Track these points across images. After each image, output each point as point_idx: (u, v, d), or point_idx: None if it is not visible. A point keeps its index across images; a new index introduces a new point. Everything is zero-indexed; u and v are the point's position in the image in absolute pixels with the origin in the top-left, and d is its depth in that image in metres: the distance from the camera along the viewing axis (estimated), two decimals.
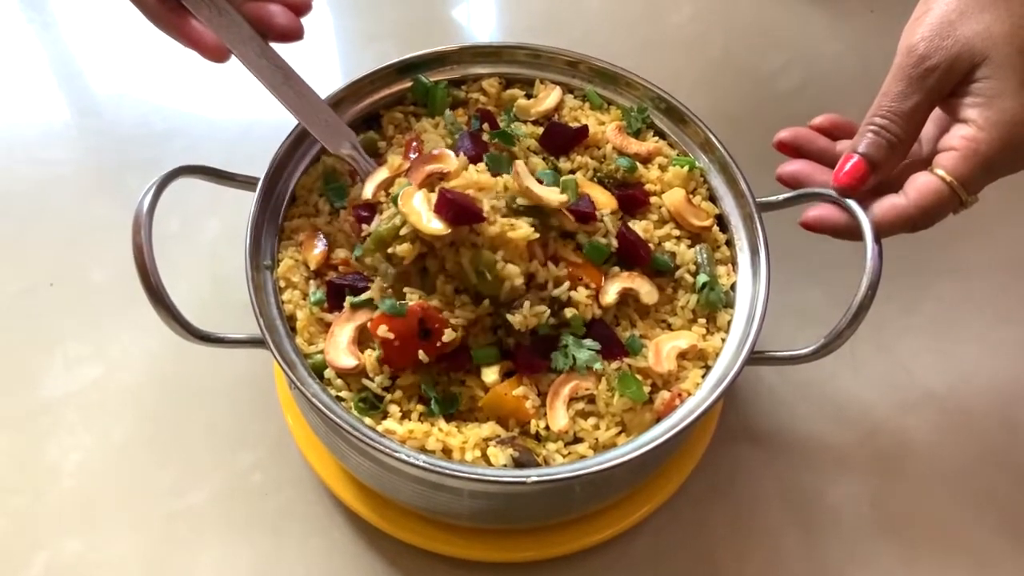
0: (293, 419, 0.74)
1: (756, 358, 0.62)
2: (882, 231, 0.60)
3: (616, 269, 0.65)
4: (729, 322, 0.66)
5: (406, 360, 0.60)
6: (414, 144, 0.70)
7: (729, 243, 0.70)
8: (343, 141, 0.69)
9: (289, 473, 0.76)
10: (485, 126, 0.72)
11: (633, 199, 0.70)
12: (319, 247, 0.66)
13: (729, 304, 0.67)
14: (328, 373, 0.62)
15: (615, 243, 0.65)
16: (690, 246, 0.69)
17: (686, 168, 0.71)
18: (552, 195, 0.63)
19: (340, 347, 0.61)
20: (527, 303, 0.61)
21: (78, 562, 0.71)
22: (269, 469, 0.76)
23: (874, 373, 0.82)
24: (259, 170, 0.67)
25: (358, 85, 0.73)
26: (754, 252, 0.67)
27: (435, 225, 0.59)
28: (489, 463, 0.58)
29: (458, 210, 0.59)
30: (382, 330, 0.59)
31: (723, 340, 0.65)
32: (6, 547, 0.72)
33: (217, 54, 0.65)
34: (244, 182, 0.67)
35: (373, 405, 0.61)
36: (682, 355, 0.64)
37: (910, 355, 0.84)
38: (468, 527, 0.69)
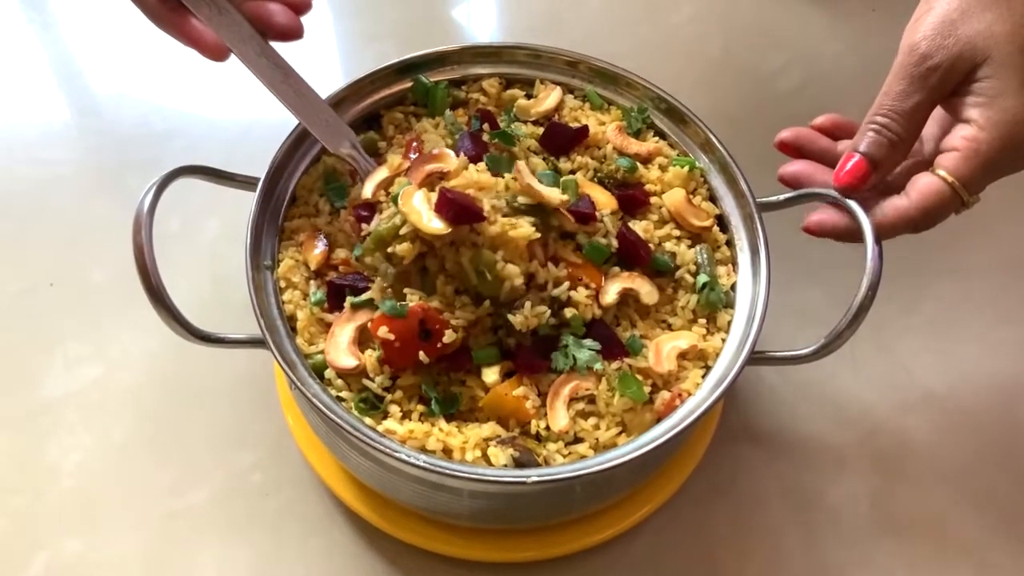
0: (293, 419, 0.74)
1: (756, 358, 0.62)
2: (885, 233, 0.60)
3: (616, 269, 0.65)
4: (729, 322, 0.66)
5: (407, 361, 0.60)
6: (414, 144, 0.70)
7: (729, 243, 0.70)
8: (343, 140, 0.69)
9: (289, 473, 0.76)
10: (485, 126, 0.72)
11: (633, 199, 0.70)
12: (319, 247, 0.66)
13: (729, 304, 0.67)
14: (328, 373, 0.62)
15: (615, 243, 0.65)
16: (690, 246, 0.69)
17: (686, 168, 0.71)
18: (553, 193, 0.63)
19: (340, 347, 0.61)
20: (528, 303, 0.61)
21: (78, 562, 0.71)
22: (269, 469, 0.76)
23: (874, 373, 0.82)
24: (259, 170, 0.67)
25: (358, 85, 0.73)
26: (754, 252, 0.67)
27: (435, 224, 0.59)
28: (489, 463, 0.58)
29: (458, 209, 0.59)
30: (383, 331, 0.59)
31: (723, 340, 0.65)
32: (6, 547, 0.72)
33: (217, 53, 0.65)
34: (244, 182, 0.67)
35: (373, 405, 0.61)
36: (682, 355, 0.64)
37: (910, 355, 0.84)
38: (468, 527, 0.69)
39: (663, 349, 0.63)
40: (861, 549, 0.73)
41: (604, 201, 0.68)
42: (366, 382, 0.61)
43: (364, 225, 0.66)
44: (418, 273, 0.63)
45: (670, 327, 0.66)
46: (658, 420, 0.61)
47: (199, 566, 0.71)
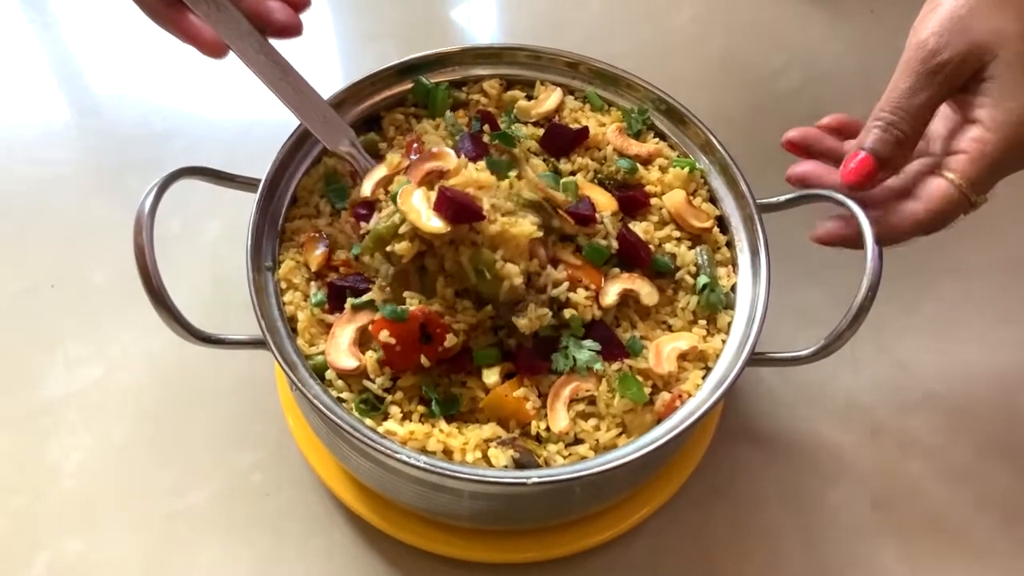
0: (294, 420, 0.74)
1: (756, 359, 0.62)
2: (896, 237, 0.60)
3: (616, 270, 0.65)
4: (729, 323, 0.66)
5: (408, 364, 0.60)
6: (415, 146, 0.70)
7: (729, 244, 0.70)
8: (342, 138, 0.69)
9: (290, 474, 0.76)
10: (486, 127, 0.72)
11: (634, 200, 0.70)
12: (320, 248, 0.66)
13: (729, 305, 0.67)
14: (329, 374, 0.62)
15: (615, 245, 0.65)
16: (690, 247, 0.69)
17: (686, 169, 0.71)
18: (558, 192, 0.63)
19: (341, 348, 0.62)
20: (531, 306, 0.61)
21: (79, 562, 0.71)
22: (269, 469, 0.76)
23: (874, 374, 0.82)
24: (260, 170, 0.67)
25: (359, 86, 0.73)
26: (754, 253, 0.67)
27: (434, 223, 0.59)
28: (490, 464, 0.58)
29: (458, 208, 0.59)
30: (384, 335, 0.59)
31: (723, 341, 0.65)
32: (7, 547, 0.72)
33: (215, 50, 0.65)
34: (245, 183, 0.67)
35: (374, 406, 0.61)
36: (682, 356, 0.64)
37: (910, 355, 0.84)
38: (468, 528, 0.70)
39: (663, 350, 0.63)
40: (861, 551, 0.73)
41: (604, 203, 0.68)
42: (367, 383, 0.61)
43: (363, 224, 0.66)
44: (417, 272, 0.63)
45: (670, 328, 0.66)
46: (658, 421, 0.61)
47: (199, 566, 0.71)
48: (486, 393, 0.61)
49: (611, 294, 0.64)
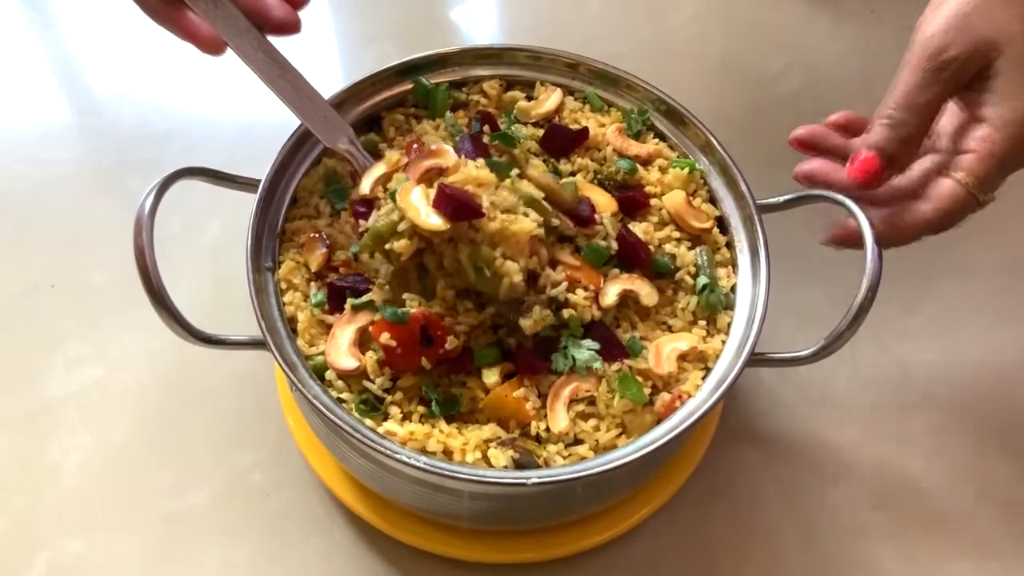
0: (294, 420, 0.74)
1: (756, 360, 0.62)
2: (906, 237, 0.61)
3: (616, 271, 0.65)
4: (729, 324, 0.66)
5: (408, 365, 0.60)
6: (415, 147, 0.70)
7: (729, 245, 0.70)
8: (340, 136, 0.69)
9: (289, 474, 0.76)
10: (486, 128, 0.72)
11: (633, 201, 0.70)
12: (320, 249, 0.66)
13: (729, 306, 0.67)
14: (329, 375, 0.62)
15: (615, 245, 0.65)
16: (690, 248, 0.69)
17: (686, 170, 0.71)
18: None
19: (341, 349, 0.62)
20: (537, 308, 0.61)
21: (78, 562, 0.71)
22: (269, 469, 0.76)
23: (874, 374, 0.82)
24: (260, 170, 0.67)
25: (359, 87, 0.73)
26: (754, 254, 0.67)
27: (434, 221, 0.59)
28: (490, 465, 0.58)
29: (457, 205, 0.59)
30: (384, 337, 0.59)
31: (723, 342, 0.65)
32: (7, 547, 0.72)
33: (213, 47, 0.64)
34: (245, 184, 0.67)
35: (374, 407, 0.61)
36: (682, 357, 0.64)
37: (910, 356, 0.84)
38: (468, 528, 0.70)
39: (663, 351, 0.63)
40: (861, 551, 0.73)
41: (604, 203, 0.68)
42: (366, 383, 0.61)
43: (361, 221, 0.66)
44: (416, 270, 0.62)
45: (670, 329, 0.66)
46: (658, 422, 0.61)
47: (199, 566, 0.71)
48: (486, 393, 0.61)
49: (611, 295, 0.64)
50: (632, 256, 0.66)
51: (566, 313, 0.62)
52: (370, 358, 0.61)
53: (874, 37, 1.07)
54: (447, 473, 0.56)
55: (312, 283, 0.66)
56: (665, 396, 0.62)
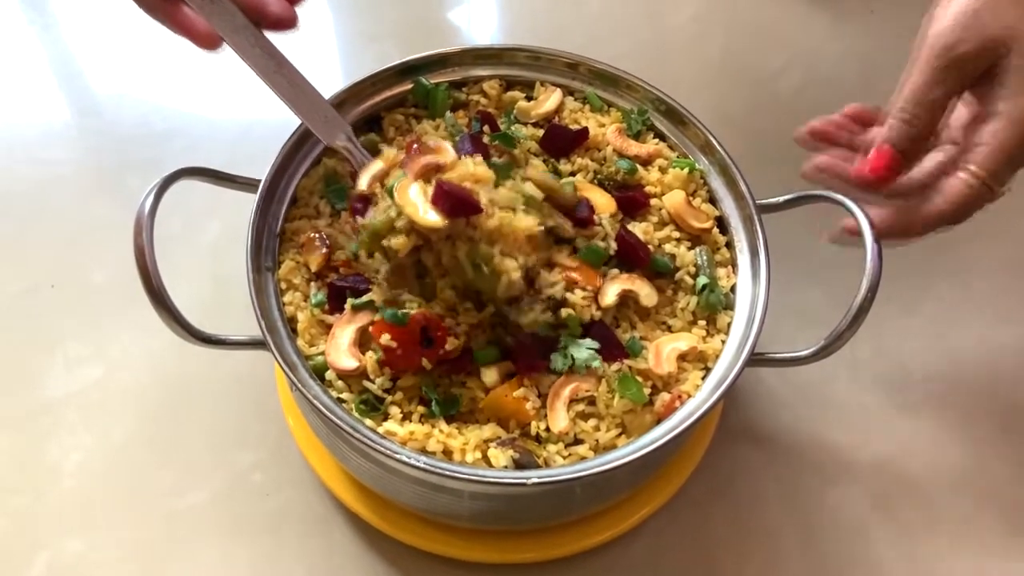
0: (294, 420, 0.74)
1: (756, 360, 0.62)
2: (920, 230, 0.61)
3: (616, 271, 0.65)
4: (729, 324, 0.66)
5: (408, 366, 0.60)
6: (415, 147, 0.70)
7: (729, 245, 0.70)
8: (338, 133, 0.68)
9: (289, 474, 0.76)
10: (486, 128, 0.72)
11: (633, 201, 0.70)
12: (320, 249, 0.66)
13: (729, 306, 0.67)
14: (329, 375, 0.62)
15: (614, 246, 0.65)
16: (690, 248, 0.69)
17: (686, 170, 0.71)
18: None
19: (341, 349, 0.62)
20: (537, 307, 0.61)
21: (78, 562, 0.71)
22: (269, 469, 0.76)
23: (874, 374, 0.82)
24: (260, 170, 0.67)
25: (359, 87, 0.73)
26: (754, 254, 0.67)
27: (432, 217, 0.59)
28: (490, 464, 0.58)
29: (455, 202, 0.58)
30: (385, 338, 0.59)
31: (723, 342, 0.65)
32: (7, 547, 0.72)
33: (209, 42, 0.64)
34: (245, 184, 0.67)
35: (374, 407, 0.61)
36: (682, 357, 0.64)
37: (910, 356, 0.84)
38: (468, 528, 0.70)
39: (663, 351, 0.63)
40: (861, 551, 0.73)
41: (603, 204, 0.68)
42: (366, 383, 0.61)
43: (359, 218, 0.66)
44: (413, 267, 0.62)
45: (670, 329, 0.66)
46: (658, 422, 0.61)
47: (199, 566, 0.71)
48: (486, 393, 0.61)
49: (610, 295, 0.64)
50: (631, 256, 0.66)
51: (564, 313, 0.62)
52: (370, 358, 0.61)
53: (874, 37, 1.07)
54: (447, 473, 0.56)
55: (312, 283, 0.66)
56: (665, 396, 0.62)
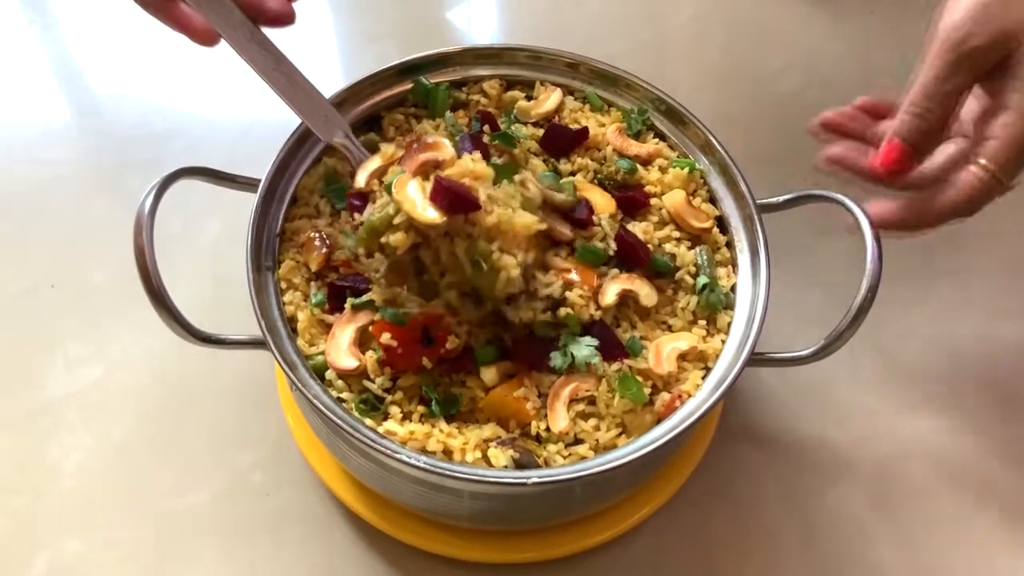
0: (294, 419, 0.74)
1: (756, 360, 0.62)
2: (932, 222, 0.61)
3: (616, 271, 0.65)
4: (729, 323, 0.66)
5: (409, 365, 0.60)
6: (415, 147, 0.70)
7: (729, 245, 0.70)
8: (336, 130, 0.68)
9: (289, 474, 0.76)
10: (486, 128, 0.72)
11: (633, 201, 0.70)
12: (320, 249, 0.66)
13: (729, 306, 0.67)
14: (329, 374, 0.62)
15: (613, 246, 0.65)
16: (690, 248, 0.69)
17: (686, 170, 0.71)
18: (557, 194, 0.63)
19: (341, 348, 0.62)
20: (536, 304, 0.61)
21: (78, 562, 0.71)
22: (269, 469, 0.76)
23: (874, 374, 0.82)
24: (260, 170, 0.67)
25: (359, 87, 0.73)
26: (754, 253, 0.67)
27: (430, 214, 0.58)
28: (490, 464, 0.58)
29: (454, 198, 0.58)
30: (385, 337, 0.59)
31: (723, 342, 0.65)
32: (7, 547, 0.72)
33: (206, 38, 0.64)
34: (245, 183, 0.67)
35: (374, 406, 0.61)
36: (682, 356, 0.64)
37: (910, 356, 0.84)
38: (468, 528, 0.70)
39: (663, 350, 0.63)
40: (860, 551, 0.73)
41: (603, 204, 0.68)
42: (367, 383, 0.61)
43: (356, 215, 0.65)
44: (412, 264, 0.62)
45: (670, 328, 0.66)
46: (658, 421, 0.61)
47: (199, 566, 0.71)
48: (486, 393, 0.61)
49: (610, 294, 0.64)
50: (631, 256, 0.66)
51: (563, 312, 0.62)
52: (370, 358, 0.61)
53: (874, 37, 1.07)
54: (447, 473, 0.56)
55: (312, 283, 0.66)
56: (665, 396, 0.62)
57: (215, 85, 1.02)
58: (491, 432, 0.60)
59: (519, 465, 0.58)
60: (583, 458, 0.59)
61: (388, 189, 0.61)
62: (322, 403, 0.58)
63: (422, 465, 0.56)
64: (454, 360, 0.61)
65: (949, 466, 0.78)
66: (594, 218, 0.66)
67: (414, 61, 0.75)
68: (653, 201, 0.71)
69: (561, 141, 0.73)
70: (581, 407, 0.61)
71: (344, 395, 0.61)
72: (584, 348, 0.62)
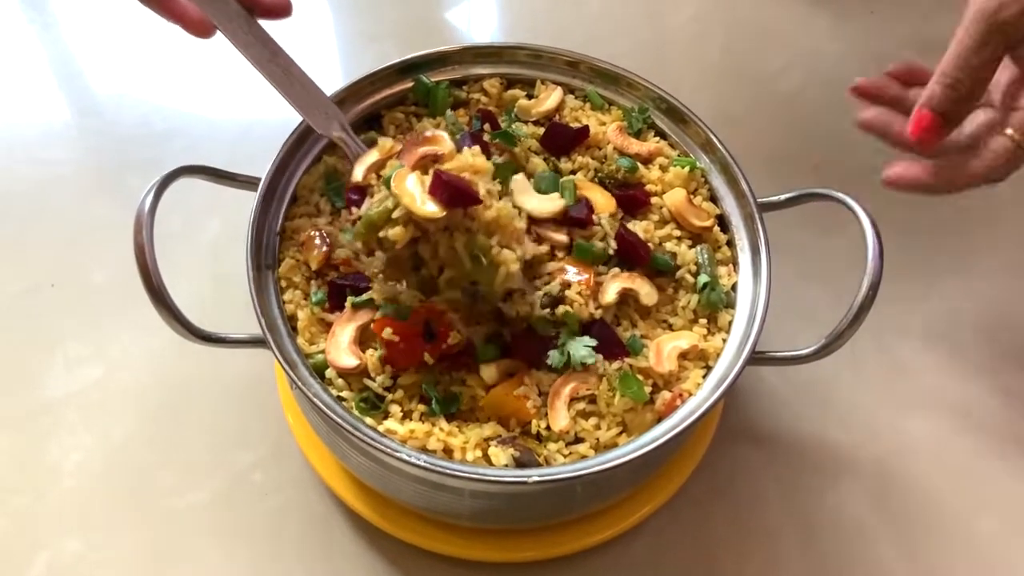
0: (294, 419, 0.74)
1: (757, 358, 0.62)
2: (960, 187, 0.62)
3: (616, 270, 0.65)
4: (730, 322, 0.66)
5: (410, 362, 0.60)
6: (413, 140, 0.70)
7: (730, 243, 0.70)
8: (333, 123, 0.68)
9: (289, 473, 0.76)
10: (486, 126, 0.72)
11: (634, 199, 0.70)
12: (320, 247, 0.66)
13: (730, 304, 0.67)
14: (329, 373, 0.62)
15: (613, 245, 0.65)
16: (691, 246, 0.69)
17: (687, 168, 0.71)
18: (546, 205, 0.63)
19: (341, 347, 0.61)
20: (535, 298, 0.61)
21: (78, 562, 0.71)
22: (269, 469, 0.76)
23: (875, 373, 0.82)
24: (260, 169, 0.67)
25: (359, 85, 0.73)
26: (755, 252, 0.67)
27: (429, 207, 0.57)
28: (490, 463, 0.58)
29: (453, 192, 0.57)
30: (387, 333, 0.59)
31: (724, 340, 0.65)
32: (7, 547, 0.71)
33: (201, 29, 0.64)
34: (245, 182, 0.67)
35: (374, 405, 0.61)
36: (683, 355, 0.64)
37: (911, 355, 0.84)
38: (469, 527, 0.69)
39: (664, 349, 0.63)
40: (861, 551, 0.73)
41: (603, 203, 0.68)
42: (367, 382, 0.61)
43: (354, 209, 0.65)
44: (410, 259, 0.62)
45: (671, 327, 0.66)
46: (659, 420, 0.61)
47: (199, 565, 0.71)
48: (486, 392, 0.61)
49: (610, 293, 0.64)
50: (631, 255, 0.66)
51: (562, 310, 0.62)
52: (371, 356, 0.61)
53: (874, 37, 1.07)
54: (447, 471, 0.56)
55: (312, 281, 0.66)
56: (666, 395, 0.62)
57: (215, 85, 1.02)
58: (491, 431, 0.60)
59: (519, 464, 0.58)
60: (584, 457, 0.59)
61: (387, 183, 0.60)
62: (322, 402, 0.58)
63: (422, 464, 0.56)
64: (454, 357, 0.61)
65: (949, 466, 0.77)
66: (594, 217, 0.66)
67: (414, 60, 0.75)
68: (654, 200, 0.71)
69: (562, 140, 0.73)
70: (582, 406, 0.61)
71: (344, 394, 0.61)
72: (581, 348, 0.62)
